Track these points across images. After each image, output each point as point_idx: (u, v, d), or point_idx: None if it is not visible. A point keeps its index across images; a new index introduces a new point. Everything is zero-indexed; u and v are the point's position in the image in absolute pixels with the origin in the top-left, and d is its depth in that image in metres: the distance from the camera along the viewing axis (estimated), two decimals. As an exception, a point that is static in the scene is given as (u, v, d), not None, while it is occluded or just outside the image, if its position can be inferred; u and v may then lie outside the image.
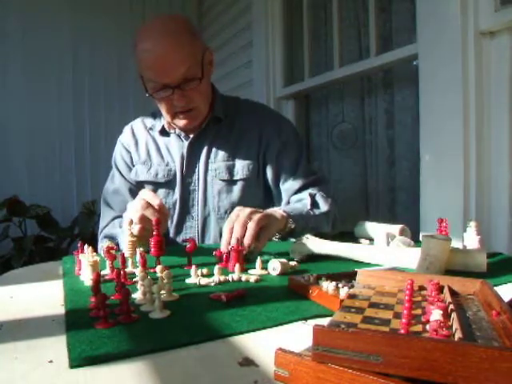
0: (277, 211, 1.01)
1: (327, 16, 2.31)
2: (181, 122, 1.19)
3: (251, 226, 0.87)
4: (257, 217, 0.89)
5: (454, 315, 0.42)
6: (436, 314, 0.41)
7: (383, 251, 0.86)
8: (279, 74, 2.59)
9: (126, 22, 3.26)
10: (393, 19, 1.93)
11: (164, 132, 1.29)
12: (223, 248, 0.88)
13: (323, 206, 1.15)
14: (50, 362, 0.44)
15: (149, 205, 0.91)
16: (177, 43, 1.07)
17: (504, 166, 1.38)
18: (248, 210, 0.91)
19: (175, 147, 1.27)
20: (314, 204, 1.15)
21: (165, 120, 1.27)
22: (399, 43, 1.84)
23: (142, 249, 0.79)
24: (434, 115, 1.51)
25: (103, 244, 0.88)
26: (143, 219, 0.90)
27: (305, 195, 1.18)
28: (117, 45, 3.28)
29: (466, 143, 1.41)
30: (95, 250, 0.81)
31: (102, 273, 0.77)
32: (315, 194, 1.18)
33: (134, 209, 0.92)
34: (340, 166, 2.33)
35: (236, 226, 0.88)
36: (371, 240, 1.04)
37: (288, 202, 1.23)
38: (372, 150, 2.13)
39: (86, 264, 0.74)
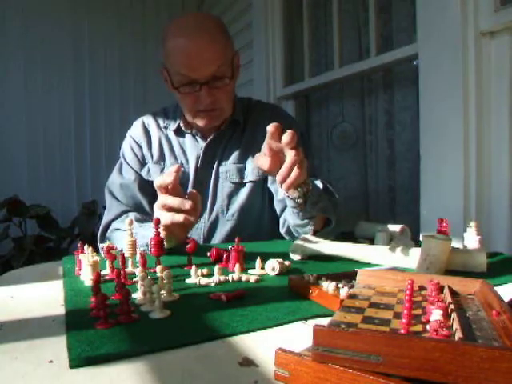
0: None
1: (327, 16, 2.31)
2: (202, 121, 1.17)
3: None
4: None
5: (454, 315, 0.42)
6: (436, 314, 0.41)
7: (383, 251, 0.86)
8: (279, 74, 2.59)
9: (126, 20, 3.28)
10: (393, 19, 1.93)
11: (179, 132, 1.27)
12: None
13: (335, 195, 1.11)
14: (50, 362, 0.44)
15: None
16: (211, 40, 1.08)
17: (504, 166, 1.38)
18: None
19: (190, 148, 1.25)
20: (327, 190, 1.11)
21: (181, 119, 1.25)
22: (399, 43, 1.84)
23: (142, 249, 0.79)
24: (434, 115, 1.51)
25: (103, 244, 0.88)
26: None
27: (317, 181, 1.12)
28: (117, 45, 3.28)
29: (466, 143, 1.40)
30: (95, 250, 0.81)
31: (102, 273, 0.77)
32: (327, 183, 1.13)
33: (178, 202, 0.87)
34: (340, 166, 2.33)
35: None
36: (371, 240, 1.04)
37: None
38: (372, 150, 2.13)
39: (85, 264, 0.74)
